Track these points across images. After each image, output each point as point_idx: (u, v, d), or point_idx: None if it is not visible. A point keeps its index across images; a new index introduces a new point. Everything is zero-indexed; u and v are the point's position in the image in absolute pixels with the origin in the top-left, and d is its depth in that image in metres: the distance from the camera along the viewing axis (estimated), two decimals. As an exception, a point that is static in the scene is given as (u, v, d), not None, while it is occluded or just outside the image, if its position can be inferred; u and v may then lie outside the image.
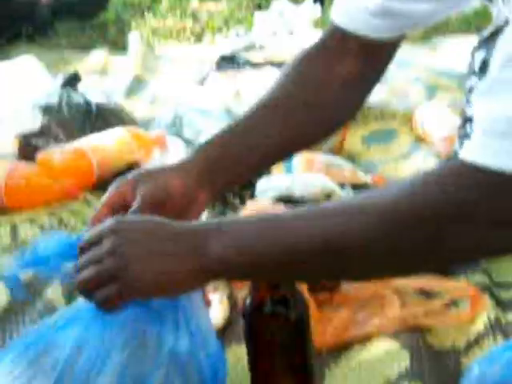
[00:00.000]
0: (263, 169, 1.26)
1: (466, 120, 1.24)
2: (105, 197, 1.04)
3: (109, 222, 0.89)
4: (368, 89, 1.14)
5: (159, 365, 0.97)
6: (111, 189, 1.05)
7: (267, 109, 1.07)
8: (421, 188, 0.77)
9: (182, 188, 1.01)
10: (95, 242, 0.88)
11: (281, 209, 1.51)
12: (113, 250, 0.86)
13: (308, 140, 1.12)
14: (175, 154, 2.12)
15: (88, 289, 0.88)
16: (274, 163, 1.14)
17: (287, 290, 1.03)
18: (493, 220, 0.73)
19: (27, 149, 1.97)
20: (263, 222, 0.86)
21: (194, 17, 3.80)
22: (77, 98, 2.17)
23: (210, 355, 1.06)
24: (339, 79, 1.09)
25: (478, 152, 0.73)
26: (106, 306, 0.88)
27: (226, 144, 1.05)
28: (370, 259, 0.80)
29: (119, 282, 0.86)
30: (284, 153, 1.11)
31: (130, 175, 1.04)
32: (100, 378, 0.96)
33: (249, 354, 1.08)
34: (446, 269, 1.33)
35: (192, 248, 0.85)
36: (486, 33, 1.13)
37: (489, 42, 1.12)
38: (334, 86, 1.09)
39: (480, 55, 1.18)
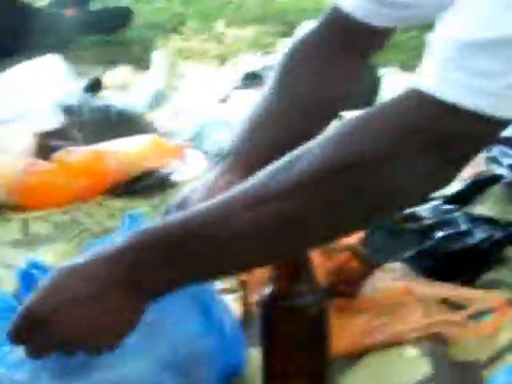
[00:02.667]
0: None
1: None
2: None
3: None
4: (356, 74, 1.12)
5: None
6: None
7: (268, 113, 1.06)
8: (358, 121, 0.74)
9: None
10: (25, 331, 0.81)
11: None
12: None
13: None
14: (194, 165, 2.10)
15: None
16: None
17: (308, 284, 0.99)
18: (437, 152, 0.70)
19: (45, 148, 1.95)
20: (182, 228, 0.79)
21: (219, 40, 3.81)
22: (98, 103, 2.15)
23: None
24: (340, 68, 1.08)
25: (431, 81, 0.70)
26: None
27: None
28: (309, 227, 0.75)
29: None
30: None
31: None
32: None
33: (263, 351, 1.04)
34: (472, 278, 1.29)
35: (119, 284, 0.78)
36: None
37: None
38: (334, 75, 1.08)
39: None
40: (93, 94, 2.22)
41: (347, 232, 0.83)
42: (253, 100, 2.42)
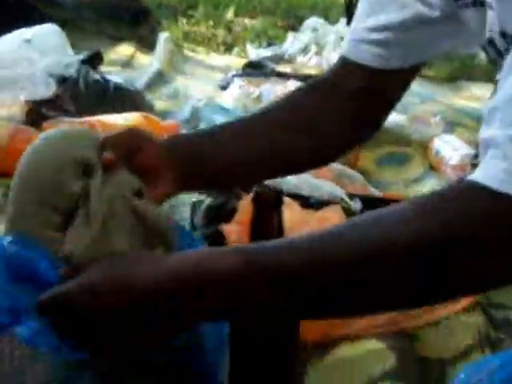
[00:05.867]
0: (240, 182, 1.15)
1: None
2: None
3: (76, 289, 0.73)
4: (370, 124, 1.05)
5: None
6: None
7: (257, 125, 1.01)
8: (426, 212, 0.69)
9: (156, 151, 0.89)
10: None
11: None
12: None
13: (291, 166, 1.05)
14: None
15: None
16: (253, 180, 1.03)
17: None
18: (502, 249, 0.67)
19: (35, 115, 1.93)
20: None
21: (228, 28, 3.80)
22: (95, 76, 2.13)
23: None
24: (336, 112, 1.01)
25: (490, 175, 0.67)
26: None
27: (201, 144, 0.98)
28: (374, 293, 0.70)
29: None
30: (263, 173, 1.02)
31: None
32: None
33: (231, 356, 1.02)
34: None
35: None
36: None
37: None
38: (328, 118, 1.01)
39: None
40: (92, 67, 2.20)
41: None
42: (251, 89, 2.44)
